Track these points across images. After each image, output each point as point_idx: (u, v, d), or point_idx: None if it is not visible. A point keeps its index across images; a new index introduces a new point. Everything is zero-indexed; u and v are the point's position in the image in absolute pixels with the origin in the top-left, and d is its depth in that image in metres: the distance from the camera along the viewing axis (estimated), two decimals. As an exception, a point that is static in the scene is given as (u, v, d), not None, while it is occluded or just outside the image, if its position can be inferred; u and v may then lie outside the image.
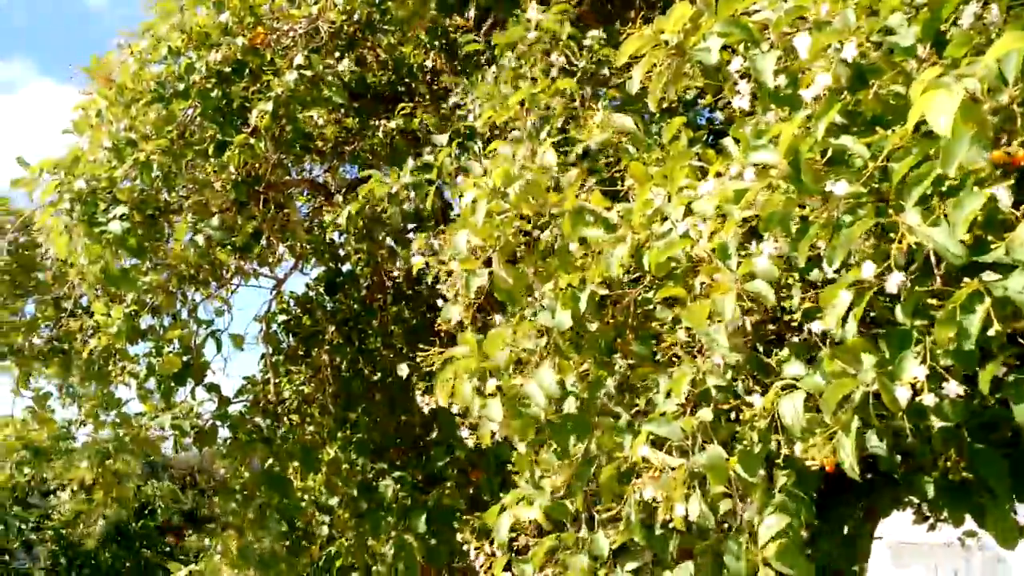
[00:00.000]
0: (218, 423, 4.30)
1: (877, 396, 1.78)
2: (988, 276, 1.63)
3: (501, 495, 4.34)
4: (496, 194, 2.62)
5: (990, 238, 1.63)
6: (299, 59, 4.01)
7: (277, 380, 5.15)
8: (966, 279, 1.63)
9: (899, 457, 2.52)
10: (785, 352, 2.14)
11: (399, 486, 4.59)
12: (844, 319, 1.74)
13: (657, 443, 2.21)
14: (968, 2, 1.77)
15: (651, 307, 2.44)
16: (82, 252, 3.64)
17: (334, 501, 4.85)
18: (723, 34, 2.06)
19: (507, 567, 2.79)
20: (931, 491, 3.19)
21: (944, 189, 1.68)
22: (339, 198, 5.22)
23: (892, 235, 1.70)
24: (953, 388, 1.75)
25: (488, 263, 2.57)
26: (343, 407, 5.11)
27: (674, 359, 2.27)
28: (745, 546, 2.12)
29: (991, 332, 1.59)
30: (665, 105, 2.48)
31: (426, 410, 3.16)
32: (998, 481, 2.24)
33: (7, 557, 14.46)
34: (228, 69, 4.00)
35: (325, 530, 5.12)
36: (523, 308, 2.75)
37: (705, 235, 2.07)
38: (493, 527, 2.67)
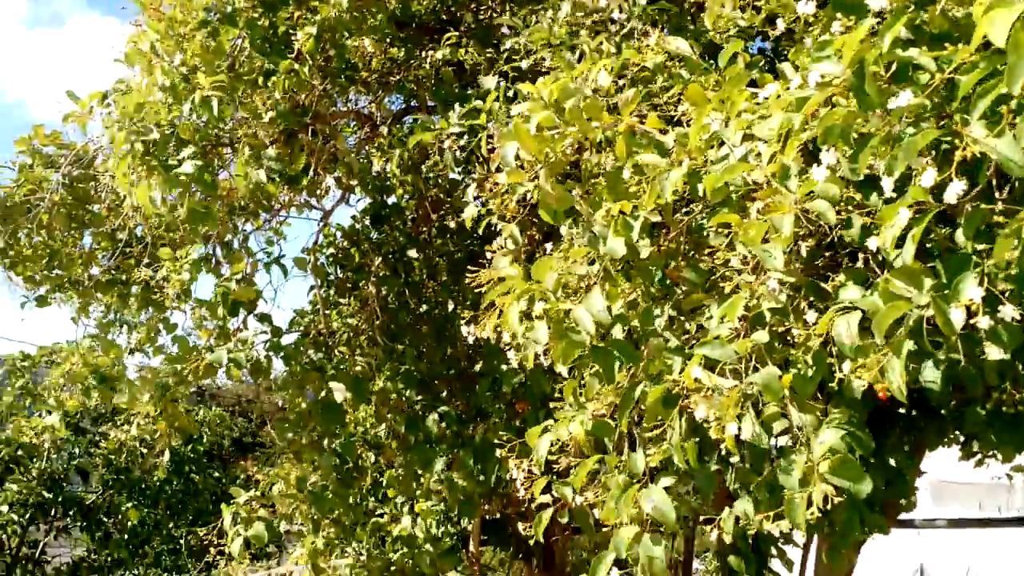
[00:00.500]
0: (272, 354, 4.38)
1: (932, 323, 1.77)
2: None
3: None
4: (550, 108, 2.60)
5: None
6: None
7: (327, 312, 5.21)
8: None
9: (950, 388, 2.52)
10: (842, 278, 2.13)
11: (444, 423, 4.66)
12: (902, 240, 1.73)
13: (709, 367, 2.20)
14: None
15: (704, 234, 2.43)
16: (158, 198, 3.70)
17: (382, 432, 4.94)
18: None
19: (547, 489, 2.84)
20: (981, 425, 3.20)
21: (1012, 107, 1.65)
22: (384, 129, 5.23)
23: (956, 146, 1.67)
24: (1009, 311, 1.74)
25: (535, 180, 2.56)
26: (390, 339, 5.18)
27: (727, 285, 2.26)
28: (800, 462, 2.11)
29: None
30: (720, 31, 2.45)
31: (471, 340, 3.19)
32: (1052, 413, 2.23)
33: (64, 483, 14.95)
34: (274, -4, 4.01)
35: (372, 462, 5.23)
36: (572, 233, 2.76)
37: (764, 158, 2.05)
38: (533, 447, 2.70)
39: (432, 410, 4.77)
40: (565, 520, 2.79)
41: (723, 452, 2.56)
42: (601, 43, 3.16)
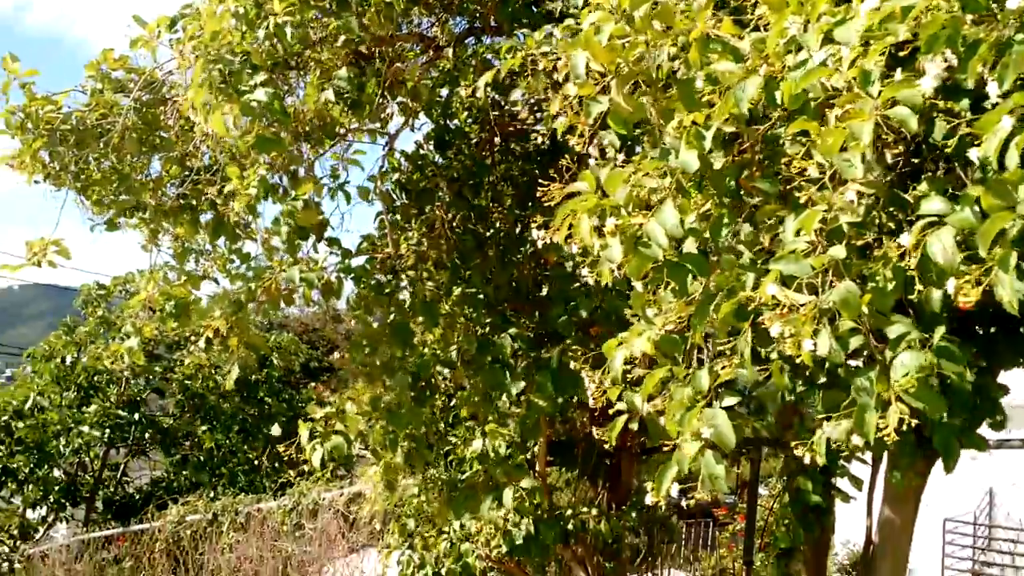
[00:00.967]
0: (342, 275, 4.44)
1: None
2: None
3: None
4: (621, 16, 2.53)
5: None
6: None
7: (394, 236, 5.24)
8: None
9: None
10: (923, 187, 2.06)
11: (516, 343, 4.68)
12: (1003, 148, 1.66)
13: (785, 282, 2.15)
14: None
15: (780, 143, 2.37)
16: (232, 124, 3.72)
17: (453, 354, 4.99)
18: None
19: (618, 398, 2.84)
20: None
21: None
22: (449, 52, 5.17)
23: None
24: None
25: (606, 91, 2.51)
26: (458, 262, 5.20)
27: (803, 195, 2.19)
28: (875, 380, 2.08)
29: None
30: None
31: (540, 244, 3.16)
32: None
33: (141, 407, 15.50)
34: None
35: (444, 383, 5.30)
36: (644, 145, 2.71)
37: (845, 63, 1.97)
38: (608, 359, 2.70)
39: (502, 332, 4.79)
40: (636, 428, 2.79)
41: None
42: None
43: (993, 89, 1.72)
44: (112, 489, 15.81)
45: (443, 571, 6.21)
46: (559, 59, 3.93)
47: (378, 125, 5.36)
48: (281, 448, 4.49)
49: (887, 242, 2.06)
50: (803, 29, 2.17)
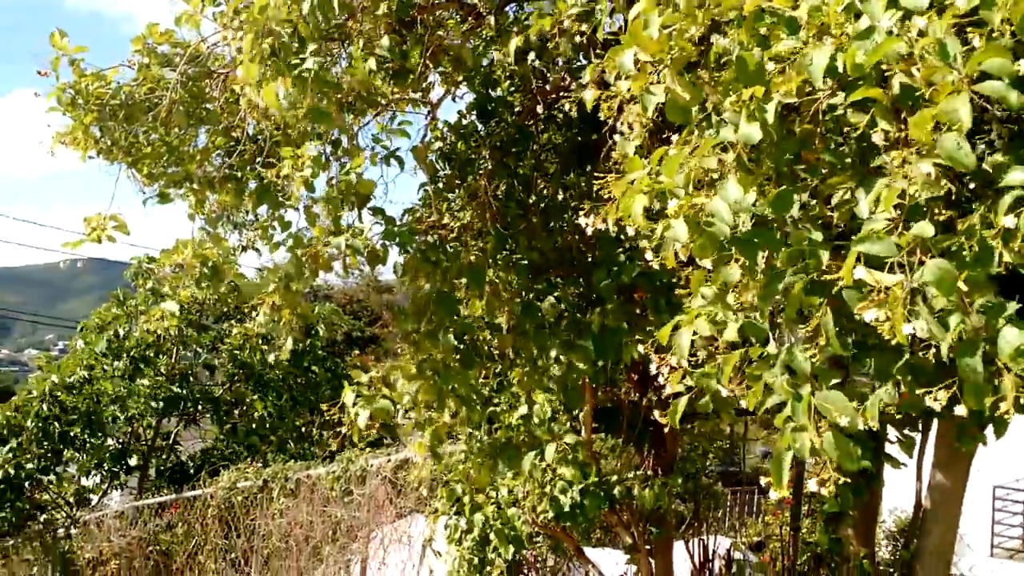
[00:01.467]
0: (387, 242, 4.47)
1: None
2: None
3: (667, 315, 4.39)
4: (666, 3, 2.49)
5: None
6: None
7: (438, 205, 5.27)
8: None
9: None
10: (1000, 156, 1.99)
11: (562, 305, 4.70)
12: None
13: (867, 262, 2.08)
14: None
15: (841, 112, 2.31)
16: (282, 97, 3.75)
17: (500, 320, 5.02)
18: None
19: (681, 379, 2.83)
20: None
21: None
22: (491, 19, 5.14)
23: None
24: None
25: (659, 79, 2.47)
26: (502, 229, 5.21)
27: (885, 163, 2.11)
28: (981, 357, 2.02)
29: None
30: None
31: (589, 231, 3.17)
32: None
33: (192, 378, 15.79)
34: None
35: (488, 348, 5.33)
36: (699, 125, 2.67)
37: (914, 30, 1.90)
38: (673, 344, 2.67)
39: (546, 297, 4.81)
40: (710, 410, 2.78)
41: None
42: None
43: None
44: (164, 457, 16.17)
45: (490, 535, 6.29)
46: (588, 23, 3.91)
47: (420, 95, 5.37)
48: (325, 407, 4.55)
49: (974, 215, 1.99)
50: (864, -5, 2.10)
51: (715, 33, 2.56)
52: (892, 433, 4.64)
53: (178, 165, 4.70)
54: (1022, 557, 15.28)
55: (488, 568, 6.46)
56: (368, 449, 10.33)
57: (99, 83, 4.35)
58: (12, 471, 13.98)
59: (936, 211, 2.06)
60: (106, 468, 15.22)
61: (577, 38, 3.95)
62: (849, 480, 2.50)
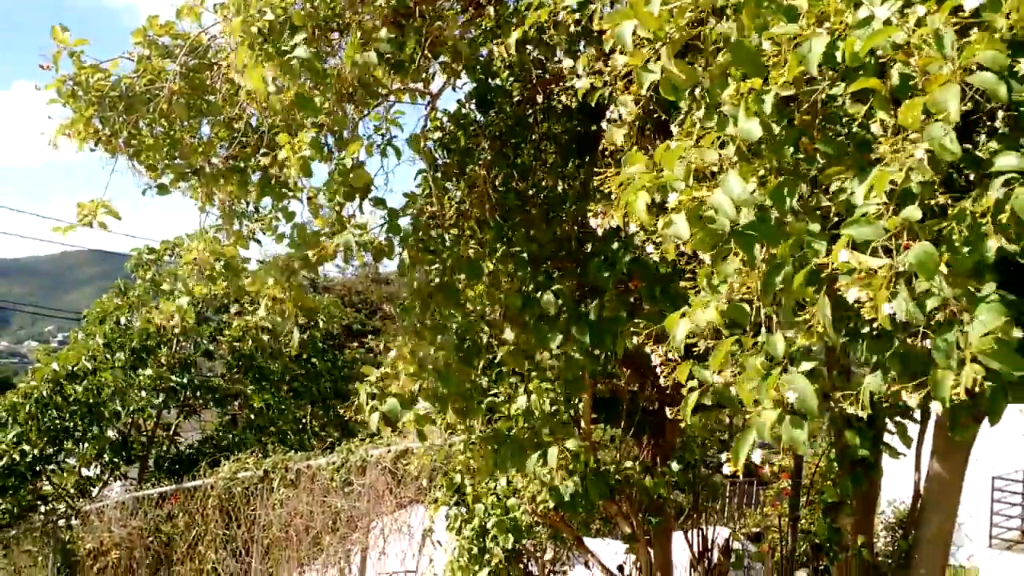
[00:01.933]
0: (391, 236, 4.49)
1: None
2: None
3: (663, 304, 4.41)
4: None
5: None
6: None
7: (437, 194, 5.27)
8: None
9: None
10: (994, 144, 2.01)
11: (559, 300, 4.71)
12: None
13: (857, 246, 2.11)
14: None
15: (839, 103, 2.32)
16: (271, 83, 3.76)
17: (498, 312, 5.03)
18: None
19: (690, 375, 2.83)
20: None
21: None
22: (491, 10, 5.14)
23: None
24: None
25: (655, 58, 2.47)
26: (500, 220, 5.22)
27: (877, 153, 2.13)
28: (954, 340, 2.05)
29: None
30: None
31: (600, 232, 3.18)
32: None
33: (191, 369, 15.81)
34: None
35: (488, 339, 5.34)
36: (699, 117, 2.67)
37: (911, 19, 1.92)
38: (670, 332, 2.69)
39: (545, 289, 4.82)
40: (710, 402, 2.80)
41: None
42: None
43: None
44: (165, 448, 16.21)
45: (490, 525, 6.32)
46: (583, 13, 3.91)
47: (420, 85, 5.38)
48: (342, 409, 4.59)
49: (965, 199, 2.01)
50: (864, -17, 2.11)
51: (713, 17, 2.56)
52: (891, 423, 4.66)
53: (181, 157, 4.71)
54: (1021, 548, 15.33)
55: (488, 557, 6.49)
56: (368, 439, 10.36)
57: (99, 75, 4.36)
58: (17, 457, 14.03)
59: (929, 198, 2.08)
60: (107, 458, 15.26)
61: (572, 28, 3.95)
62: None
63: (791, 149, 2.43)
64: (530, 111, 5.61)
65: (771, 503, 11.99)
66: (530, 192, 5.48)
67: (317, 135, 4.22)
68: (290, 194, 4.62)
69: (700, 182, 2.46)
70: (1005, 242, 1.95)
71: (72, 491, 15.40)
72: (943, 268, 2.00)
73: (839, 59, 2.12)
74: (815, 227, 2.34)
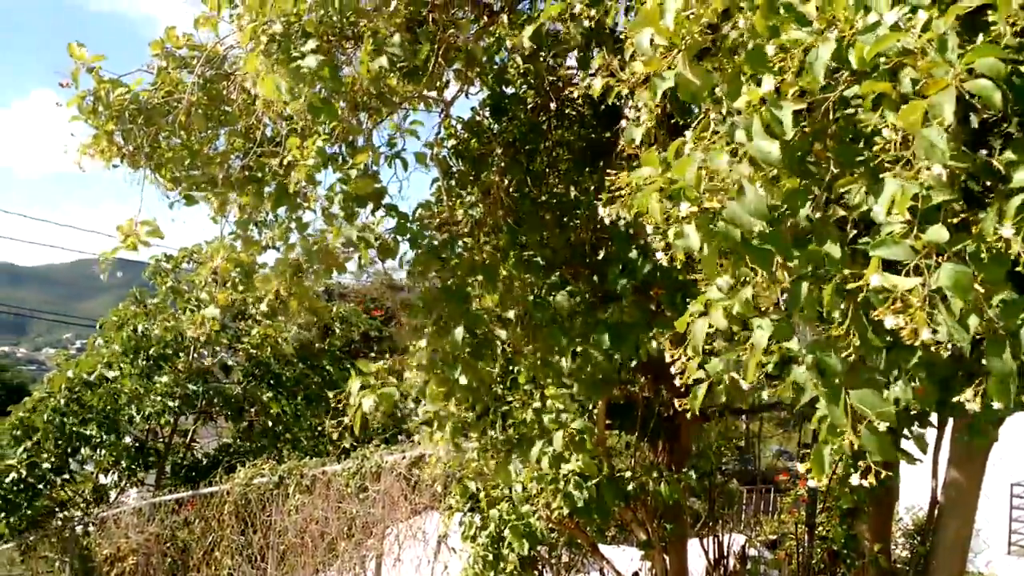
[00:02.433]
0: (399, 237, 4.51)
1: None
2: None
3: (683, 311, 4.40)
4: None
5: None
6: None
7: (450, 203, 5.29)
8: None
9: None
10: (1010, 154, 2.00)
11: (576, 300, 4.71)
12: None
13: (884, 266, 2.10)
14: None
15: (853, 111, 2.31)
16: (284, 90, 3.78)
17: (511, 315, 5.04)
18: None
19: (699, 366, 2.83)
20: None
21: None
22: (504, 17, 5.16)
23: None
24: None
25: (672, 64, 2.48)
26: (514, 226, 5.23)
27: (888, 172, 2.10)
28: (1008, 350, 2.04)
29: None
30: None
31: (607, 221, 3.17)
32: None
33: (208, 377, 15.88)
34: None
35: (500, 344, 5.35)
36: (708, 119, 2.66)
37: (918, 25, 1.92)
38: (689, 333, 2.69)
39: (558, 292, 4.83)
40: (724, 399, 2.79)
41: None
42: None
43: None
44: (181, 455, 16.28)
45: (504, 532, 6.31)
46: (597, 8, 3.92)
47: (434, 93, 5.40)
48: (332, 395, 4.57)
49: (988, 214, 2.00)
50: (872, -10, 2.11)
51: (727, 22, 2.57)
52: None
53: (200, 168, 4.74)
54: (1040, 555, 15.19)
55: (502, 564, 6.49)
56: (382, 446, 10.38)
57: (120, 89, 4.40)
58: (25, 471, 14.12)
59: (949, 212, 2.06)
60: (124, 465, 15.34)
61: (586, 22, 3.96)
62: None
63: (802, 156, 2.42)
64: (544, 118, 5.63)
65: (788, 510, 11.94)
66: (544, 198, 5.49)
67: (323, 144, 4.24)
68: (305, 204, 4.64)
69: (711, 192, 2.45)
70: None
71: (89, 497, 15.49)
72: (977, 287, 1.99)
73: (851, 64, 2.12)
74: (835, 250, 2.31)
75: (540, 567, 7.13)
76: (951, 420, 4.76)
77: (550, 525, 6.32)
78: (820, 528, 7.02)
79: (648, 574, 6.61)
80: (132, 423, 14.88)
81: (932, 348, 2.30)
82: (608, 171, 2.95)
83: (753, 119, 2.32)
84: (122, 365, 14.72)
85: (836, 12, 2.12)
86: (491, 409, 5.34)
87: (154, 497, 13.95)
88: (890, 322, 2.06)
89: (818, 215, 2.37)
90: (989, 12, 1.84)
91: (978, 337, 2.13)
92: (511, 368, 5.59)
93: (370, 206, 4.74)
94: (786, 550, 7.74)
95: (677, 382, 2.95)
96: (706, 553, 7.03)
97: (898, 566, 5.88)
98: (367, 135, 5.00)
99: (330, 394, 4.89)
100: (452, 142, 5.76)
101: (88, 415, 14.47)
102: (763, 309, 2.60)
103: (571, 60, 4.85)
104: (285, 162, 4.26)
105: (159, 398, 14.69)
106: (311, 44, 3.89)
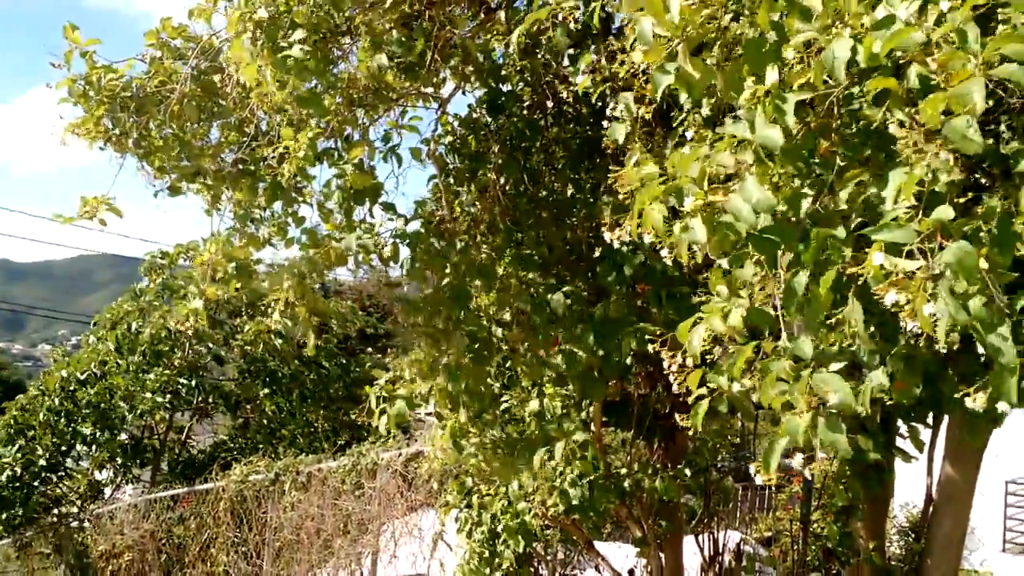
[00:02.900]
0: (398, 240, 4.49)
1: None
2: None
3: (668, 308, 4.40)
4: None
5: None
6: None
7: (448, 200, 5.28)
8: None
9: None
10: (1016, 143, 2.00)
11: (569, 300, 4.71)
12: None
13: (888, 251, 2.07)
14: None
15: (857, 106, 2.30)
16: (270, 79, 3.77)
17: (508, 316, 5.04)
18: None
19: (701, 381, 2.81)
20: None
21: None
22: (501, 15, 5.15)
23: None
24: None
25: (672, 57, 2.46)
26: (511, 225, 5.22)
27: (902, 154, 2.09)
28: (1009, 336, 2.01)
29: None
30: None
31: (616, 244, 3.15)
32: None
33: (203, 373, 15.85)
34: None
35: (499, 344, 5.34)
36: (702, 113, 2.66)
37: (931, 18, 1.91)
38: (685, 340, 2.66)
39: (555, 292, 4.82)
40: (724, 408, 2.76)
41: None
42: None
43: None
44: (177, 452, 16.26)
45: (500, 528, 6.31)
46: (582, 11, 3.91)
47: (431, 90, 5.39)
48: (354, 413, 4.59)
49: (993, 197, 2.00)
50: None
51: (727, 15, 2.55)
52: (904, 427, 4.64)
53: (190, 159, 4.72)
54: (1034, 553, 15.22)
55: (498, 561, 6.49)
56: (379, 443, 10.37)
57: (111, 75, 4.38)
58: (20, 469, 14.10)
59: (955, 196, 2.06)
60: (119, 462, 15.31)
61: (572, 25, 3.95)
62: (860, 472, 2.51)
63: (806, 153, 2.41)
64: (540, 116, 5.62)
65: (783, 507, 11.94)
66: (541, 196, 5.48)
67: (314, 138, 4.22)
68: (300, 199, 4.63)
69: (714, 185, 2.44)
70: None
71: (85, 494, 15.46)
72: (983, 264, 1.97)
73: (857, 60, 2.10)
74: (840, 232, 2.31)
75: (536, 564, 7.13)
76: (946, 418, 4.76)
77: (545, 522, 6.32)
78: (815, 525, 7.02)
79: (643, 571, 6.61)
80: (125, 422, 14.85)
81: (916, 339, 2.29)
82: (606, 171, 2.94)
83: (756, 111, 2.31)
84: (118, 362, 14.69)
85: (848, 7, 2.10)
86: (489, 407, 5.34)
87: (149, 494, 13.93)
88: (890, 299, 2.06)
89: (821, 205, 2.37)
90: (999, 11, 1.84)
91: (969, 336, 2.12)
92: (508, 367, 5.58)
93: (367, 203, 4.73)
94: (781, 547, 7.74)
95: (674, 389, 2.92)
96: (701, 550, 7.03)
97: (893, 563, 5.88)
98: (363, 131, 4.99)
99: (331, 399, 4.91)
100: (449, 139, 5.75)
101: (83, 412, 14.44)
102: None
103: (564, 55, 4.83)
104: (278, 154, 4.25)
105: (150, 395, 14.66)
106: (299, 34, 3.87)
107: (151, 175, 4.65)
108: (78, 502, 15.30)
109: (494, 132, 5.57)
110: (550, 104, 5.60)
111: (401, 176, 5.13)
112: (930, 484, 5.19)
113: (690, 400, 2.81)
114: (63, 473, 14.96)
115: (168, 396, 14.95)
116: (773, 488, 15.36)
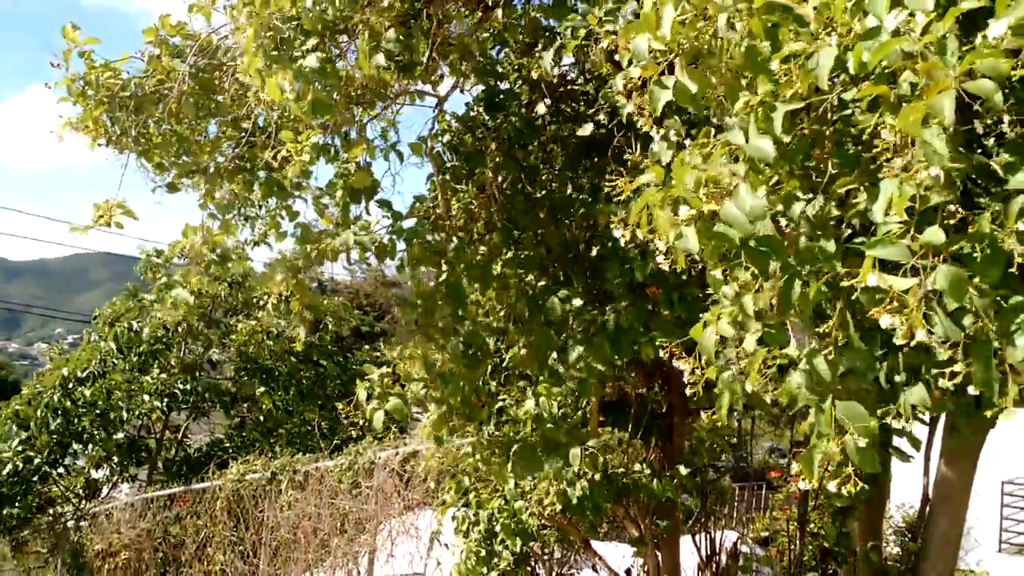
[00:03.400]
0: (394, 237, 4.49)
1: None
2: None
3: (680, 310, 4.39)
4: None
5: None
6: None
7: (445, 197, 5.27)
8: None
9: None
10: (1006, 156, 2.00)
11: (567, 305, 4.69)
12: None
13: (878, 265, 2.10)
14: None
15: (850, 112, 2.30)
16: (288, 90, 3.77)
17: (503, 315, 5.03)
18: None
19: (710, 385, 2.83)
20: None
21: None
22: (499, 13, 5.15)
23: None
24: None
25: (670, 70, 2.47)
26: (508, 224, 5.21)
27: (884, 172, 2.11)
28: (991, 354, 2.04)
29: None
30: None
31: (623, 243, 3.16)
32: None
33: (198, 372, 15.84)
34: None
35: (494, 346, 5.33)
36: (708, 122, 2.65)
37: (918, 28, 1.91)
38: (699, 342, 2.68)
39: (553, 293, 4.81)
40: (741, 407, 2.79)
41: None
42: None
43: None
44: (173, 450, 16.24)
45: (497, 528, 6.31)
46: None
47: (429, 87, 5.38)
48: (341, 406, 4.57)
49: (984, 215, 2.00)
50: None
51: (724, 24, 2.55)
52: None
53: (188, 156, 4.72)
54: (1031, 553, 15.24)
55: (495, 560, 6.48)
56: (376, 442, 10.36)
57: (109, 74, 4.38)
58: (21, 464, 14.07)
59: (946, 212, 2.06)
60: (115, 460, 15.29)
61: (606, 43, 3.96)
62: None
63: (801, 159, 2.42)
64: (537, 115, 5.61)
65: (780, 507, 11.96)
66: (538, 195, 5.47)
67: (320, 136, 4.22)
68: (295, 194, 4.62)
69: (710, 196, 2.45)
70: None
71: (81, 493, 15.44)
72: (972, 290, 1.99)
73: (848, 68, 2.11)
74: (829, 245, 2.32)
75: (533, 563, 7.12)
76: (942, 417, 4.77)
77: (542, 521, 6.32)
78: (812, 525, 7.03)
79: (640, 570, 6.61)
80: (122, 420, 14.84)
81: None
82: (604, 172, 2.95)
83: (749, 120, 2.32)
84: (115, 361, 14.67)
85: (835, 15, 2.10)
86: (484, 405, 5.33)
87: (146, 492, 13.92)
88: (885, 321, 2.06)
89: (813, 213, 2.37)
90: (989, 20, 1.84)
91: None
92: (503, 364, 5.58)
93: (363, 200, 4.73)
94: (778, 547, 7.76)
95: (689, 390, 2.94)
96: (698, 550, 7.03)
97: (889, 563, 5.88)
98: (360, 128, 4.98)
99: (329, 397, 4.90)
100: (447, 137, 5.74)
101: (81, 411, 14.42)
102: (762, 314, 2.60)
103: (567, 58, 4.83)
104: (279, 156, 4.24)
105: (147, 397, 14.65)
106: (311, 42, 3.88)
107: (150, 172, 4.64)
108: (74, 500, 15.28)
109: (492, 130, 5.56)
110: (548, 102, 5.59)
111: (398, 175, 5.13)
112: (926, 484, 5.19)
113: (714, 392, 2.84)
114: (61, 470, 14.94)
115: (165, 400, 14.95)
116: (773, 485, 15.37)
